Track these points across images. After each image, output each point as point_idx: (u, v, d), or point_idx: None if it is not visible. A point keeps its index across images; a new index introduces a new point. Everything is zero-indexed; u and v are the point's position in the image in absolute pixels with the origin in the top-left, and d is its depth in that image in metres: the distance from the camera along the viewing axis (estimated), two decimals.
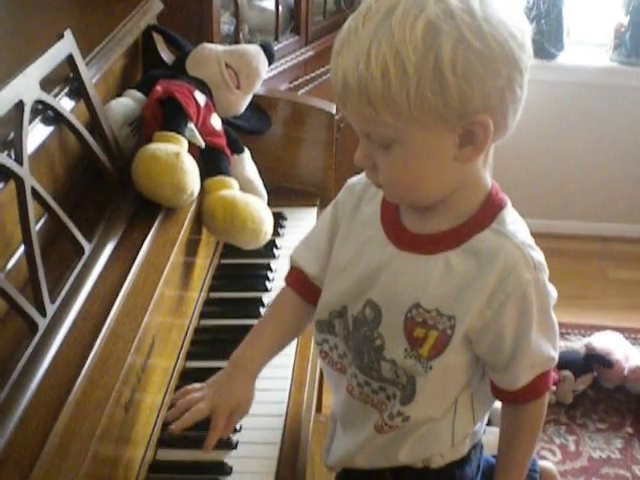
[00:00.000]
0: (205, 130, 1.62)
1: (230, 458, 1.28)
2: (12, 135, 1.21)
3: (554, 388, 2.60)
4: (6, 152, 1.18)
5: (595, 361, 2.67)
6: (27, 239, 1.17)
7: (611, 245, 3.51)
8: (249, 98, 1.83)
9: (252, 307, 1.62)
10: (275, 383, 1.43)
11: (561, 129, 3.35)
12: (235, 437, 1.32)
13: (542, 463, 1.56)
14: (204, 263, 1.67)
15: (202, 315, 1.61)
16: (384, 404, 1.19)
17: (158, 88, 1.58)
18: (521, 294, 1.06)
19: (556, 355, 1.14)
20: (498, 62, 0.95)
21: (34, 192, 1.20)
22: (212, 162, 1.61)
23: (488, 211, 1.08)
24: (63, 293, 1.21)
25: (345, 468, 1.30)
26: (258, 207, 1.60)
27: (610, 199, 3.48)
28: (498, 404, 1.23)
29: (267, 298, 1.65)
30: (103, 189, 1.47)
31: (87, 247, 1.30)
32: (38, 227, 1.25)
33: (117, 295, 1.25)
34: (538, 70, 3.15)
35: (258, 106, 1.94)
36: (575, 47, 3.35)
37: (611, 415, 2.62)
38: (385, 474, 1.25)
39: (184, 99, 1.57)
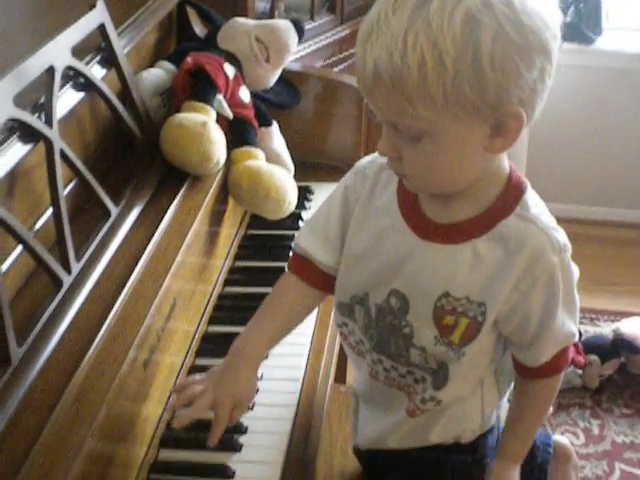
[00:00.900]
0: (233, 102, 1.65)
1: (245, 419, 1.32)
2: (43, 99, 1.25)
3: (580, 372, 2.60)
4: (36, 115, 1.22)
5: (622, 347, 2.66)
6: (55, 200, 1.21)
7: None
8: (278, 72, 1.86)
9: (276, 276, 1.65)
10: (293, 349, 1.46)
11: (599, 114, 3.33)
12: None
13: (557, 438, 1.57)
14: (230, 232, 1.70)
15: (226, 282, 1.65)
16: (411, 387, 1.20)
17: (188, 60, 1.62)
18: (548, 278, 1.06)
19: (577, 330, 1.15)
20: (534, 54, 0.93)
21: (63, 155, 1.24)
22: (239, 133, 1.65)
23: (510, 196, 1.07)
24: (88, 253, 1.25)
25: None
26: (282, 178, 1.63)
27: None
28: None
29: None
30: (132, 157, 1.51)
31: (114, 211, 1.34)
32: (67, 190, 1.30)
33: (140, 258, 1.29)
34: (576, 55, 3.14)
35: (289, 81, 1.97)
36: (614, 32, 3.31)
37: (637, 400, 2.61)
38: (414, 451, 1.27)
39: (213, 71, 1.60)
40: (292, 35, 1.85)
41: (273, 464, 1.24)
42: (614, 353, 2.65)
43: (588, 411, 2.59)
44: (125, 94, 1.50)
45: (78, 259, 1.22)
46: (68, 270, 1.19)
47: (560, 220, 1.11)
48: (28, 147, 1.21)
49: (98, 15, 1.41)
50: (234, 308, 1.58)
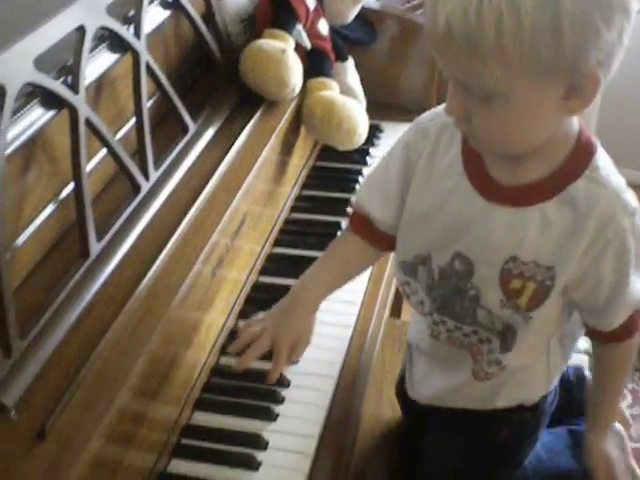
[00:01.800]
0: (312, 33, 1.69)
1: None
2: (133, 13, 1.31)
3: None
4: (126, 26, 1.28)
5: None
6: (138, 110, 1.27)
7: None
8: (357, 8, 1.88)
9: (341, 206, 1.70)
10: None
11: None
12: None
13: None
14: (299, 162, 1.75)
15: (293, 209, 1.70)
16: (475, 346, 1.19)
17: None
18: (620, 241, 1.04)
19: None
20: (615, 13, 0.88)
21: (148, 68, 1.30)
22: (316, 64, 1.68)
23: (580, 158, 1.04)
24: (166, 164, 1.31)
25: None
26: (355, 109, 1.66)
27: None
28: None
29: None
30: (211, 78, 1.56)
31: (192, 126, 1.40)
32: (149, 105, 1.35)
33: (214, 172, 1.34)
34: None
35: (366, 19, 1.98)
36: None
37: None
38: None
39: (295, 1, 1.63)
40: None
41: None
42: None
43: (638, 374, 2.59)
44: (208, 17, 1.54)
45: (156, 168, 1.28)
46: (146, 177, 1.25)
47: (630, 186, 1.07)
48: (116, 56, 1.27)
49: None
50: (299, 233, 1.63)
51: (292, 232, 1.64)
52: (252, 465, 1.15)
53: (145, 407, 1.08)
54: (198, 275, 1.20)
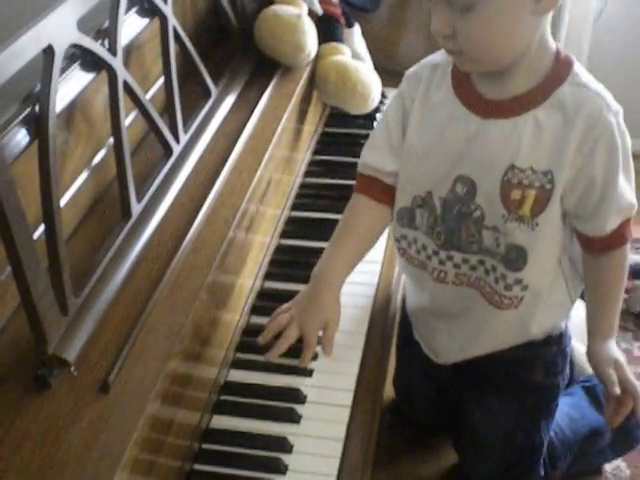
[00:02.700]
0: None
1: None
2: None
3: (626, 296, 2.66)
4: None
5: None
6: (167, 73, 1.28)
7: None
8: None
9: (351, 170, 1.71)
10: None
11: None
12: None
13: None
14: (310, 128, 1.77)
15: (307, 174, 1.72)
16: (482, 280, 1.24)
17: None
18: (609, 137, 1.10)
19: (636, 202, 1.18)
20: None
21: (175, 32, 1.31)
22: (327, 29, 1.71)
23: (561, 67, 1.12)
24: (193, 127, 1.32)
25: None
26: (368, 73, 1.69)
27: None
28: None
29: None
30: (228, 44, 1.58)
31: (214, 91, 1.41)
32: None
33: (240, 136, 1.36)
34: None
35: None
36: None
37: None
38: (505, 354, 1.32)
39: None
40: None
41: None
42: None
43: (630, 334, 2.65)
44: None
45: (185, 131, 1.29)
46: (177, 140, 1.27)
47: None
48: (145, 21, 1.28)
49: None
50: (313, 196, 1.66)
51: (307, 196, 1.66)
52: (293, 419, 1.18)
53: (192, 364, 1.10)
54: (234, 235, 1.22)
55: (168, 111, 1.28)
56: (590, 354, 1.27)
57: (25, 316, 0.91)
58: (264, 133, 1.41)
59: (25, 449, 0.85)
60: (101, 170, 1.18)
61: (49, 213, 0.96)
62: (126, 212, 1.12)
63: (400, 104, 1.25)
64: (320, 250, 1.44)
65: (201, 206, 1.19)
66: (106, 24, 1.16)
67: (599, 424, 1.54)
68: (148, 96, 1.32)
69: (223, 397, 1.22)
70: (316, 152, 1.80)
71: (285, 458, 1.12)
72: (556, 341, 1.33)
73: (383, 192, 1.28)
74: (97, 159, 1.18)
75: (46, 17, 0.98)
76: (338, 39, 1.71)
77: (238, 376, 1.25)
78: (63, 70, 1.06)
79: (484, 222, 1.18)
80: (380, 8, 2.05)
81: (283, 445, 1.14)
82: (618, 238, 1.20)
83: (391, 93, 2.02)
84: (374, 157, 1.28)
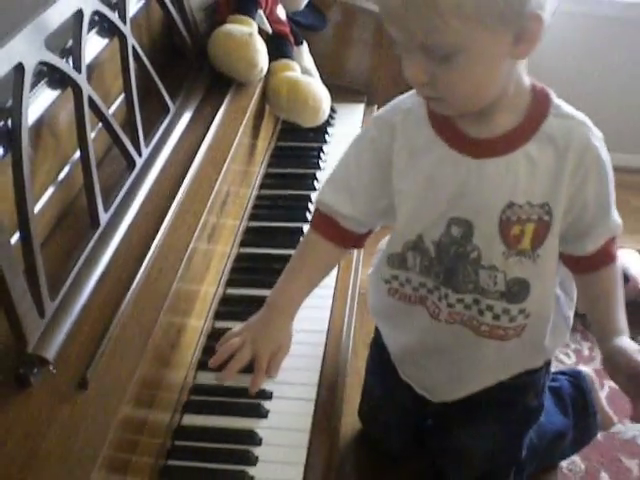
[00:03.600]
0: (272, 18, 1.79)
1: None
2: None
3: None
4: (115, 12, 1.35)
5: None
6: (128, 89, 1.34)
7: (636, 176, 3.62)
8: None
9: (306, 181, 1.80)
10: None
11: (595, 62, 3.44)
12: None
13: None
14: (264, 143, 1.84)
15: (262, 186, 1.79)
16: (474, 319, 1.24)
17: None
18: (597, 164, 1.12)
19: (621, 221, 1.19)
20: None
21: (134, 51, 1.37)
22: (278, 47, 1.78)
23: (541, 102, 1.12)
24: (154, 141, 1.38)
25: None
26: (318, 88, 1.77)
27: None
28: None
29: (319, 174, 1.84)
30: (182, 63, 1.64)
31: (172, 107, 1.47)
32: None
33: (198, 149, 1.42)
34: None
35: (315, 6, 2.09)
36: None
37: None
38: (501, 384, 1.34)
39: None
40: None
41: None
42: None
43: (579, 334, 2.75)
44: (177, 4, 1.62)
45: (147, 145, 1.35)
46: (139, 153, 1.32)
47: None
48: (106, 41, 1.34)
49: None
50: (269, 207, 1.74)
51: (263, 207, 1.73)
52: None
53: (165, 361, 1.16)
54: (198, 241, 1.28)
55: (130, 126, 1.33)
56: (615, 353, 1.18)
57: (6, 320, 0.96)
58: (221, 145, 1.47)
59: (8, 444, 0.89)
60: (68, 183, 1.23)
61: (24, 221, 1.01)
62: (95, 221, 1.18)
63: (373, 148, 1.22)
64: (277, 257, 1.52)
65: (165, 214, 1.25)
66: (70, 43, 1.22)
67: (564, 426, 1.61)
68: (110, 111, 1.38)
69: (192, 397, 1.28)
70: (270, 165, 1.87)
71: None
72: (546, 363, 1.37)
73: (337, 234, 1.28)
74: (64, 173, 1.23)
75: (15, 37, 1.03)
76: (289, 56, 1.78)
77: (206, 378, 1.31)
78: (31, 87, 1.12)
79: (481, 262, 1.17)
80: (327, 26, 2.14)
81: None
82: (606, 256, 1.21)
83: (340, 107, 2.13)
84: (334, 199, 1.26)
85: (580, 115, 1.14)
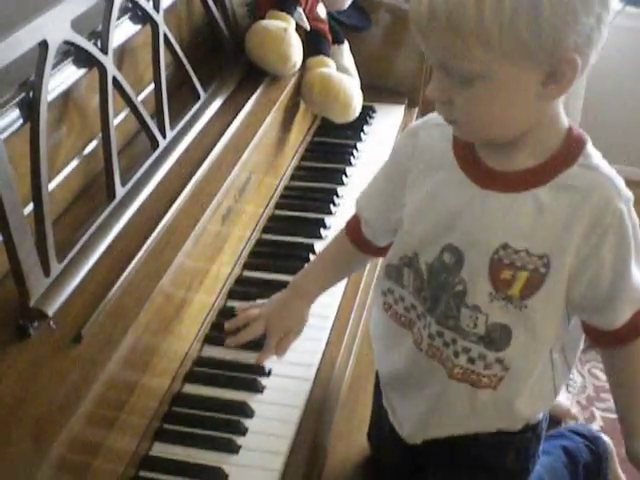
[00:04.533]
0: (311, 16, 1.85)
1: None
2: None
3: None
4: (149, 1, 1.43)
5: None
6: (157, 74, 1.42)
7: None
8: None
9: (335, 176, 1.86)
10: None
11: None
12: None
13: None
14: (298, 136, 1.90)
15: (292, 177, 1.86)
16: (449, 361, 1.16)
17: None
18: (618, 226, 1.03)
19: None
20: (593, 0, 0.92)
21: (165, 40, 1.45)
22: (315, 43, 1.85)
23: (572, 147, 1.04)
24: (180, 125, 1.46)
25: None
26: (350, 85, 1.82)
27: None
28: None
29: (350, 170, 1.90)
30: (220, 55, 1.71)
31: (203, 94, 1.55)
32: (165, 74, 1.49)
33: (223, 134, 1.49)
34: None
35: (361, 7, 2.15)
36: None
37: None
38: (478, 436, 1.24)
39: None
40: None
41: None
42: None
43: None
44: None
45: (172, 127, 1.43)
46: (164, 135, 1.40)
47: None
48: (137, 27, 1.42)
49: None
50: (298, 197, 1.80)
51: (292, 197, 1.80)
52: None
53: (165, 330, 1.23)
54: (210, 220, 1.35)
55: (157, 108, 1.41)
56: (631, 453, 1.17)
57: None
58: (246, 133, 1.54)
59: (5, 382, 0.97)
60: (95, 158, 1.31)
61: (37, 187, 1.09)
62: (111, 194, 1.25)
63: (394, 158, 1.23)
64: (297, 245, 1.59)
65: (181, 191, 1.32)
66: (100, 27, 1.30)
67: None
68: (141, 98, 1.46)
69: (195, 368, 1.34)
70: (303, 158, 1.93)
71: None
72: (532, 427, 1.24)
73: (358, 238, 1.30)
74: (89, 149, 1.32)
75: (42, 15, 1.12)
76: (325, 52, 1.84)
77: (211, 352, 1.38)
78: (59, 64, 1.20)
79: (465, 299, 1.11)
80: (373, 28, 2.19)
81: None
82: (632, 331, 1.11)
83: (380, 108, 2.18)
84: (361, 197, 1.29)
85: (610, 171, 1.05)
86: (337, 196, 1.78)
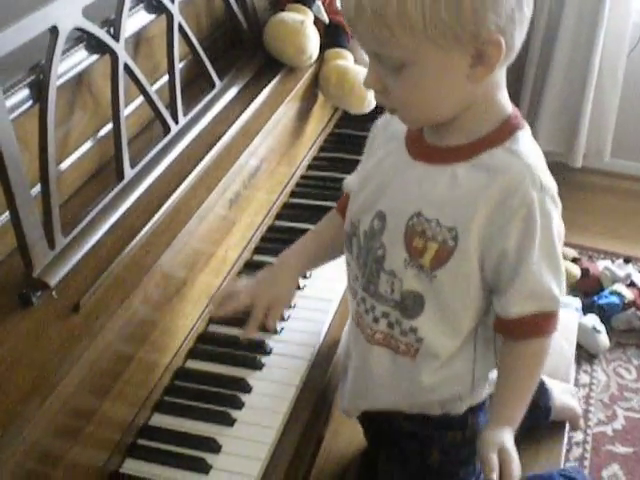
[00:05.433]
0: (330, 9, 1.89)
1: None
2: None
3: None
4: None
5: None
6: (170, 62, 1.47)
7: None
8: None
9: (352, 167, 1.87)
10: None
11: None
12: None
13: (566, 402, 1.62)
14: (316, 126, 1.95)
15: (310, 167, 1.90)
16: (369, 327, 1.21)
17: None
18: (526, 211, 1.05)
19: (559, 296, 1.10)
20: None
21: (181, 29, 1.50)
22: (333, 36, 1.89)
23: (504, 131, 1.08)
24: (193, 112, 1.51)
25: (364, 412, 1.35)
26: None
27: None
28: None
29: None
30: (238, 46, 1.76)
31: (218, 83, 1.60)
32: (182, 65, 1.54)
33: (235, 122, 1.54)
34: None
35: None
36: None
37: None
38: (402, 422, 1.29)
39: None
40: None
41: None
42: None
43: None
44: None
45: (185, 114, 1.48)
46: (176, 120, 1.45)
47: None
48: (152, 17, 1.47)
49: None
50: (314, 186, 1.84)
51: (309, 186, 1.84)
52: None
53: (165, 306, 1.28)
54: (216, 201, 1.40)
55: (170, 95, 1.46)
56: (480, 438, 1.13)
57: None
58: (258, 120, 1.59)
59: (6, 346, 1.03)
60: (106, 142, 1.37)
61: (44, 163, 1.15)
62: (120, 175, 1.31)
63: (371, 133, 1.29)
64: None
65: (188, 175, 1.37)
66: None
67: None
68: (156, 87, 1.52)
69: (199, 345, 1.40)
70: (322, 149, 1.97)
71: None
72: (457, 425, 1.27)
73: (344, 208, 1.31)
74: (103, 132, 1.37)
75: (53, 2, 1.18)
76: (342, 45, 1.88)
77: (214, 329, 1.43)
78: (71, 49, 1.26)
79: (384, 263, 1.15)
80: None
81: None
82: (528, 328, 1.12)
83: None
84: (349, 177, 1.34)
85: (533, 160, 1.07)
86: None
